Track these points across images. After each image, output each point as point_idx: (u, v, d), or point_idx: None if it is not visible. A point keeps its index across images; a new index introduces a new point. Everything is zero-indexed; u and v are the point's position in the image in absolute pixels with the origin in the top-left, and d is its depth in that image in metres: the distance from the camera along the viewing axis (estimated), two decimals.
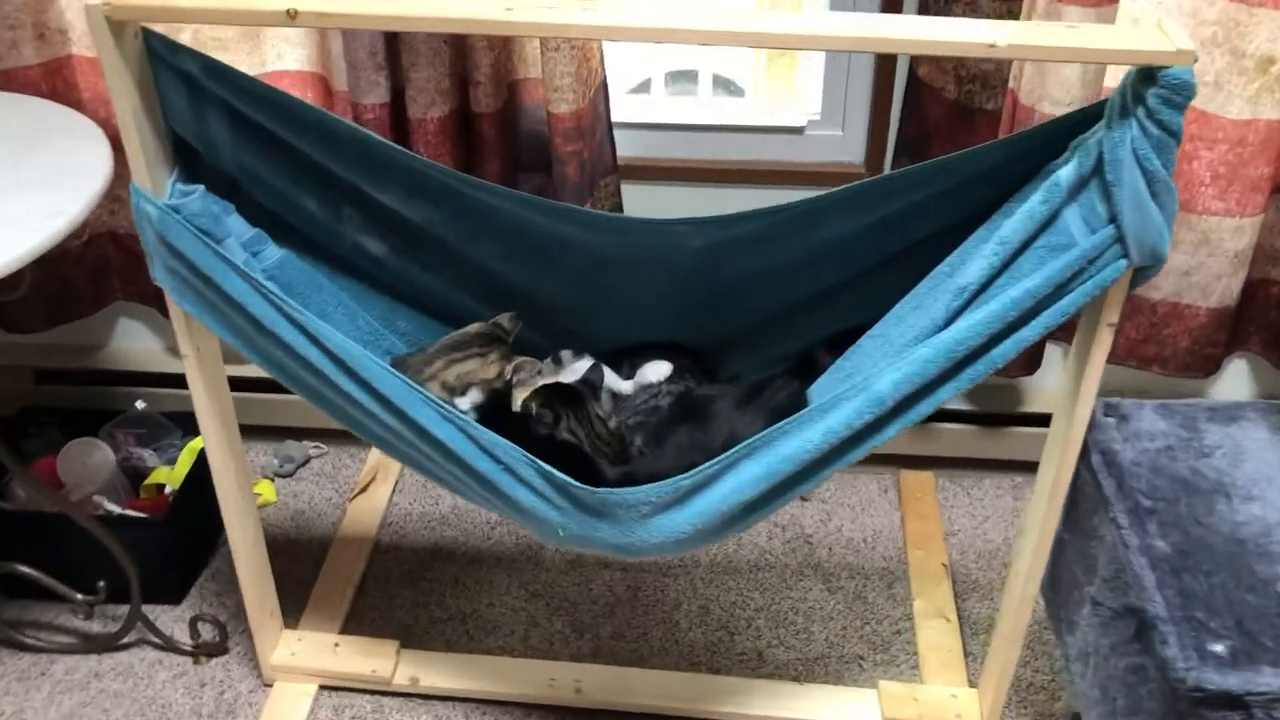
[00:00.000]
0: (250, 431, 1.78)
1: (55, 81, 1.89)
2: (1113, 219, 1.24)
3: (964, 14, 1.71)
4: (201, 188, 1.40)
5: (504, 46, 1.82)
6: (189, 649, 1.91)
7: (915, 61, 1.84)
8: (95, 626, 1.96)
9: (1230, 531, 1.37)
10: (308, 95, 1.84)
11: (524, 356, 1.58)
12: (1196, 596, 1.29)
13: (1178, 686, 1.22)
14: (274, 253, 1.48)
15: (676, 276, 1.55)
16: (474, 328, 1.58)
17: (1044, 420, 2.11)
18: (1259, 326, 2.01)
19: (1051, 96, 1.74)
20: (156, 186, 1.38)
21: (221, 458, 1.64)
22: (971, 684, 1.85)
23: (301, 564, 2.07)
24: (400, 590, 2.03)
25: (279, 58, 1.85)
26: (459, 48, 1.80)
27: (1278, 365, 2.03)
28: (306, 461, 2.31)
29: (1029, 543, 1.55)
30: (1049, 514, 1.51)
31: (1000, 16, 1.70)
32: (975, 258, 1.33)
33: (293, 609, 1.95)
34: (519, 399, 1.53)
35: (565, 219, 1.49)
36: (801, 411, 1.36)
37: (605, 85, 1.87)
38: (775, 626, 1.97)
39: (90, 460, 2.00)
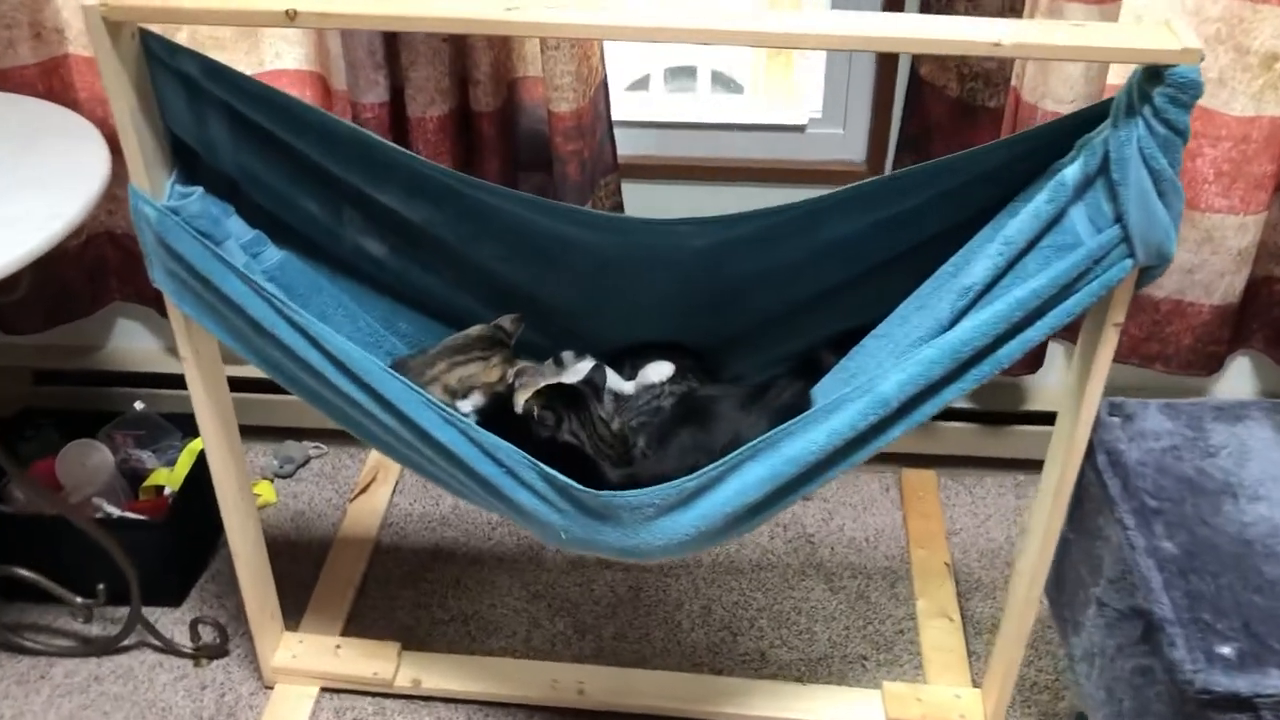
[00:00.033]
0: (249, 432, 1.77)
1: (52, 81, 1.88)
2: (1119, 218, 1.23)
3: (966, 12, 1.71)
4: (200, 189, 1.39)
5: (504, 45, 1.81)
6: (189, 651, 1.91)
7: (917, 59, 1.83)
8: (95, 629, 1.95)
9: (1237, 532, 1.36)
10: (306, 94, 1.83)
11: (526, 361, 1.57)
12: (1203, 598, 1.29)
13: (1185, 689, 1.21)
14: (274, 254, 1.47)
15: (679, 277, 1.55)
16: (476, 330, 1.57)
17: (1046, 418, 2.11)
18: (1262, 324, 2.00)
19: (1054, 94, 1.73)
20: (155, 188, 1.37)
21: (221, 460, 1.63)
22: (975, 684, 1.84)
23: (302, 565, 2.06)
24: (401, 591, 2.03)
25: (277, 57, 1.84)
26: (458, 46, 1.79)
27: None
28: (306, 462, 2.30)
29: (1033, 543, 1.54)
30: (1054, 514, 1.50)
31: (1002, 14, 1.69)
32: (980, 257, 1.32)
33: (293, 610, 1.94)
34: (521, 400, 1.52)
35: (567, 219, 1.48)
36: (805, 413, 1.35)
37: (605, 84, 1.86)
38: (778, 626, 1.96)
39: (89, 462, 1.99)
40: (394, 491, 2.23)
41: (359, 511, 2.18)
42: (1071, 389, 1.44)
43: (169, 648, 1.91)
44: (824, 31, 1.21)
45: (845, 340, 1.51)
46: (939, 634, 1.93)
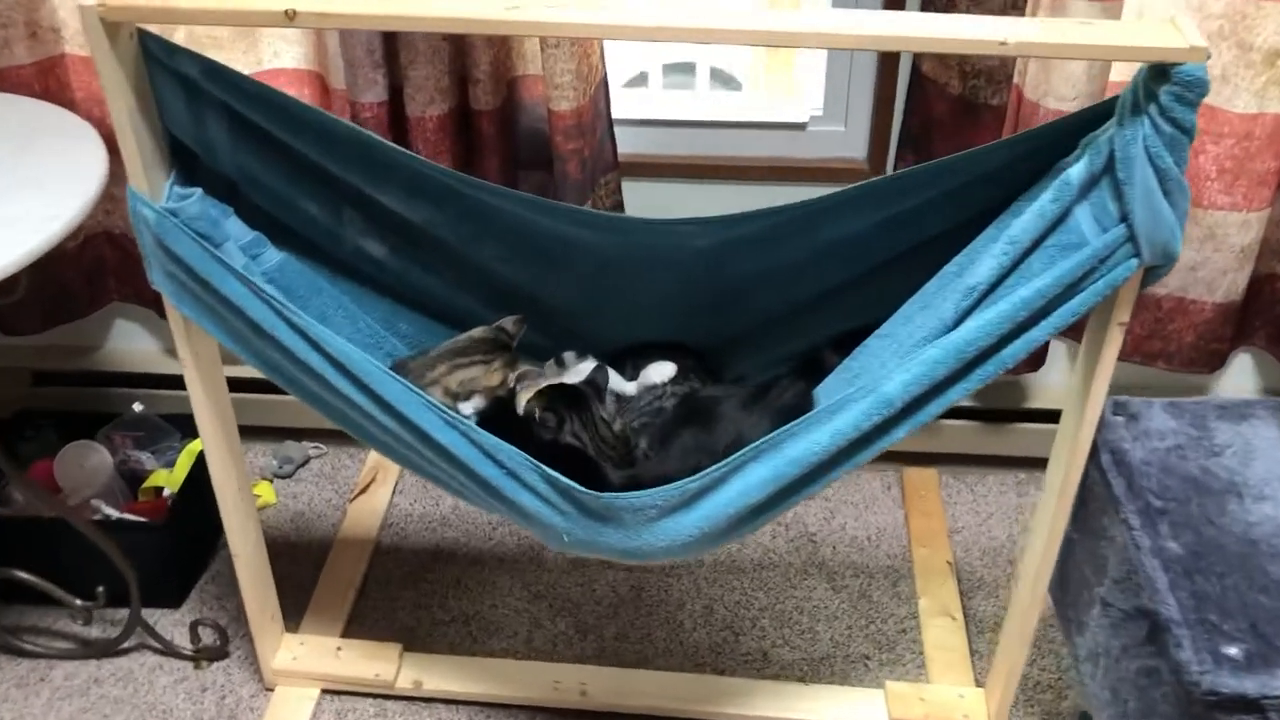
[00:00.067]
0: (248, 432, 1.76)
1: (48, 81, 1.87)
2: (1124, 218, 1.23)
3: (969, 10, 1.70)
4: (199, 191, 1.38)
5: (503, 44, 1.80)
6: (189, 653, 1.90)
7: (919, 57, 1.82)
8: (94, 631, 1.94)
9: (1242, 532, 1.36)
10: (304, 94, 1.83)
11: (528, 366, 1.56)
12: (1210, 598, 1.28)
13: (1192, 690, 1.21)
14: (273, 256, 1.46)
15: (680, 277, 1.54)
16: (478, 332, 1.56)
17: (1048, 416, 2.13)
18: (1265, 321, 2.00)
19: (1056, 92, 1.72)
20: (153, 190, 1.36)
21: (221, 461, 1.62)
22: (978, 683, 1.84)
23: (302, 566, 2.05)
24: (402, 592, 2.02)
25: (275, 56, 1.83)
26: (458, 45, 1.78)
27: None
28: (306, 462, 2.29)
29: (1038, 543, 1.54)
30: (1058, 514, 1.50)
31: (1005, 11, 1.69)
32: (985, 257, 1.31)
33: (294, 612, 1.94)
34: (522, 400, 1.51)
35: (568, 219, 1.47)
36: (809, 413, 1.35)
37: (605, 82, 1.85)
38: (780, 626, 1.96)
39: (88, 463, 1.98)
40: (394, 492, 2.22)
41: (359, 512, 2.17)
42: (1076, 388, 1.43)
43: (169, 650, 1.90)
44: (828, 30, 1.20)
45: (848, 340, 1.50)
46: (941, 633, 1.93)
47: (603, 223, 1.52)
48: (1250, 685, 1.20)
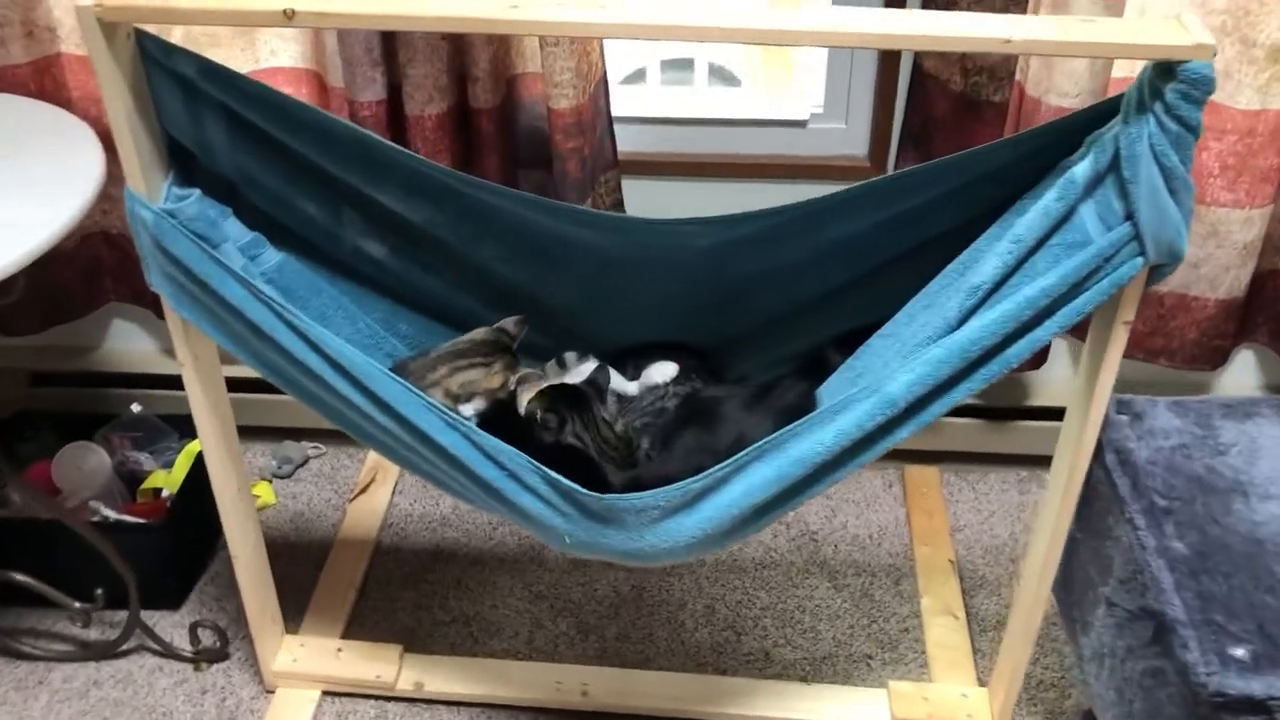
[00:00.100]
0: (247, 432, 1.75)
1: (44, 80, 1.85)
2: (1129, 216, 1.22)
3: (970, 7, 1.69)
4: (198, 191, 1.37)
5: (503, 42, 1.79)
6: (189, 655, 1.89)
7: (920, 54, 1.81)
8: (93, 633, 1.93)
9: (1248, 531, 1.35)
10: (302, 92, 1.81)
11: (529, 369, 1.55)
12: (1216, 599, 1.27)
13: (1199, 691, 1.20)
14: (272, 256, 1.45)
15: (682, 277, 1.53)
16: (479, 334, 1.55)
17: (1050, 414, 2.12)
18: (1267, 318, 1.99)
19: (1059, 88, 1.71)
20: (151, 191, 1.35)
21: (220, 463, 1.61)
22: (981, 682, 1.83)
23: (301, 567, 2.04)
24: (402, 593, 2.01)
25: (272, 54, 1.82)
26: (457, 43, 1.77)
27: None
28: (305, 462, 2.28)
29: (1041, 542, 1.53)
30: (1062, 513, 1.49)
31: (1007, 8, 1.68)
32: (989, 256, 1.30)
33: (294, 613, 1.93)
34: (523, 401, 1.50)
35: (569, 219, 1.47)
36: (812, 413, 1.34)
37: (605, 80, 1.84)
38: (782, 625, 1.95)
39: (86, 465, 1.97)
40: (394, 492, 2.22)
41: (359, 512, 2.16)
42: (1080, 387, 1.43)
43: (168, 652, 1.89)
44: (831, 29, 1.19)
45: (850, 339, 1.50)
46: (944, 632, 1.92)
47: (604, 222, 1.51)
48: (1257, 686, 1.19)
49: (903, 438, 1.36)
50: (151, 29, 1.29)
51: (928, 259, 1.41)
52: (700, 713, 1.79)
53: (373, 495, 2.20)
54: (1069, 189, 1.25)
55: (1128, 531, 1.38)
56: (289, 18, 1.19)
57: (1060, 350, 2.09)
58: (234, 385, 1.62)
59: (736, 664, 1.89)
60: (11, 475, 1.77)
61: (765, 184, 2.00)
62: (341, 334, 1.48)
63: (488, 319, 1.58)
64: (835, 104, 1.98)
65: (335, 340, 1.36)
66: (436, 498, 2.20)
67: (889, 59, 1.89)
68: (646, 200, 1.98)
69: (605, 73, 1.83)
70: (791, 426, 1.33)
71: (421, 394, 1.36)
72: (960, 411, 2.16)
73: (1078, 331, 1.91)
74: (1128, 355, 1.96)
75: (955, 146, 1.81)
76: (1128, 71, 1.72)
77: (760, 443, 1.34)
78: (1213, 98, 1.69)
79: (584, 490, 1.36)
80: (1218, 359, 1.99)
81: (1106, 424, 1.44)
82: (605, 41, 1.81)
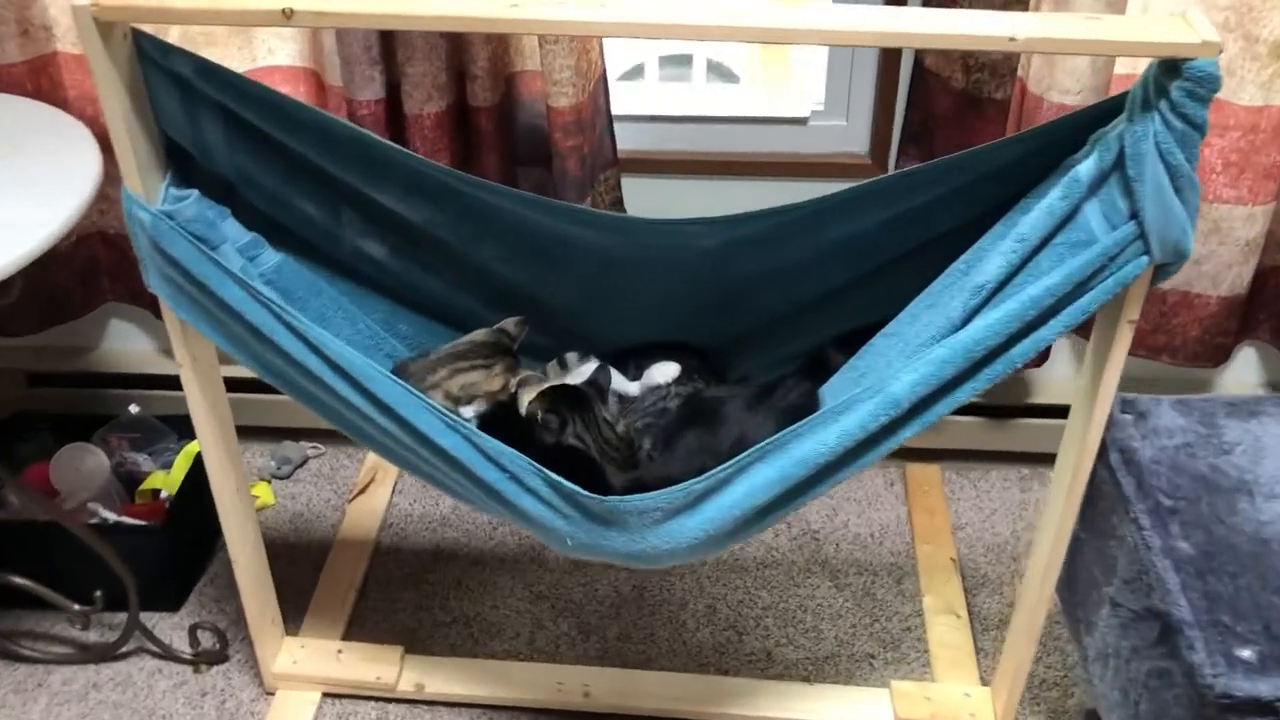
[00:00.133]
0: (245, 432, 1.74)
1: (40, 79, 1.84)
2: (1134, 215, 1.21)
3: (971, 4, 1.68)
4: (196, 192, 1.36)
5: (501, 40, 1.78)
6: (189, 657, 1.88)
7: (922, 50, 1.81)
8: (92, 636, 1.92)
9: (1254, 531, 1.35)
10: (300, 91, 1.80)
11: (529, 371, 1.54)
12: (1222, 599, 1.27)
13: (1205, 693, 1.20)
14: (271, 257, 1.44)
15: (684, 277, 1.52)
16: (479, 335, 1.54)
17: (1052, 411, 2.11)
18: (1269, 315, 1.99)
19: (1061, 85, 1.71)
20: (149, 192, 1.34)
21: (219, 464, 1.60)
22: (983, 681, 1.82)
23: (301, 568, 2.03)
24: (402, 594, 2.00)
25: (270, 53, 1.80)
26: (455, 41, 1.76)
27: None
28: (304, 463, 2.27)
29: (1045, 542, 1.53)
30: (1066, 513, 1.48)
31: (1009, 6, 1.67)
32: (993, 255, 1.30)
33: (293, 614, 1.92)
34: (524, 401, 1.50)
35: (569, 219, 1.46)
36: (815, 414, 1.33)
37: (605, 77, 1.83)
38: (784, 625, 1.94)
39: (84, 466, 1.96)
40: (393, 492, 2.21)
41: (358, 512, 2.15)
42: (1084, 387, 1.42)
43: (168, 654, 1.89)
44: (835, 27, 1.18)
45: (853, 339, 1.49)
46: (946, 631, 1.91)
47: (605, 222, 1.50)
48: (1264, 688, 1.18)
49: (906, 438, 1.35)
50: (148, 28, 1.28)
51: (931, 258, 1.40)
52: (702, 713, 1.79)
53: (372, 495, 2.19)
54: (1073, 187, 1.24)
55: (1132, 531, 1.37)
56: (287, 17, 1.18)
57: (1062, 348, 2.09)
58: (232, 385, 1.61)
59: (739, 664, 1.88)
60: (9, 477, 1.76)
61: (766, 182, 1.99)
62: (341, 335, 1.47)
63: (488, 319, 1.57)
64: (836, 101, 1.97)
65: (335, 342, 1.35)
66: (436, 498, 2.19)
67: (890, 56, 1.88)
68: (646, 198, 1.97)
69: (605, 71, 1.82)
70: (794, 427, 1.33)
71: (422, 396, 1.35)
72: (961, 409, 2.12)
73: (1081, 329, 1.90)
74: (1130, 352, 1.95)
75: (957, 144, 1.81)
76: (1130, 68, 1.71)
77: (763, 443, 1.33)
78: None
79: (586, 492, 1.35)
80: (1220, 356, 1.98)
81: (1110, 423, 1.43)
82: (604, 39, 1.80)
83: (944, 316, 1.32)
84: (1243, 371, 2.11)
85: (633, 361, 1.62)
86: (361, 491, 2.19)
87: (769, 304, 1.56)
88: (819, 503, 2.16)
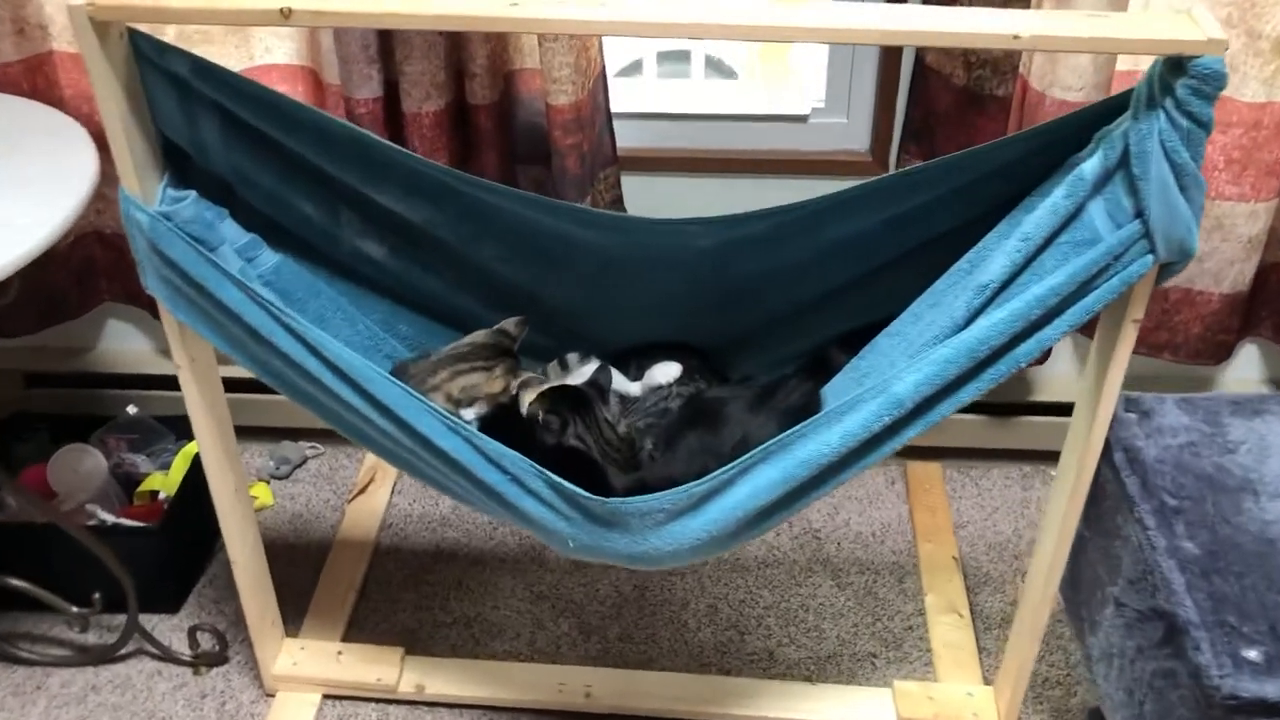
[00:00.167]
0: (244, 433, 1.72)
1: (36, 79, 1.83)
2: (1139, 213, 1.20)
3: (971, 1, 1.67)
4: (194, 193, 1.35)
5: (500, 37, 1.77)
6: (188, 659, 1.87)
7: (923, 48, 1.79)
8: (91, 638, 1.91)
9: (1260, 531, 1.34)
10: (297, 89, 1.79)
11: (529, 371, 1.53)
12: (1228, 600, 1.26)
13: (1212, 694, 1.19)
14: (270, 258, 1.43)
15: (685, 277, 1.51)
16: (479, 336, 1.53)
17: (1053, 409, 2.11)
18: (1271, 311, 1.98)
19: (1062, 82, 1.70)
20: (146, 193, 1.33)
21: (218, 465, 1.59)
22: (986, 680, 1.82)
23: (300, 569, 2.02)
24: (402, 594, 1.99)
25: (267, 51, 1.79)
26: (454, 39, 1.74)
27: None
28: (303, 463, 2.26)
29: (1049, 541, 1.52)
30: (1069, 512, 1.47)
31: (1010, 3, 1.66)
32: (997, 254, 1.29)
33: (293, 615, 1.91)
34: (525, 402, 1.49)
35: (570, 219, 1.45)
36: (818, 414, 1.32)
37: (604, 75, 1.82)
38: (785, 624, 1.94)
39: (82, 468, 1.95)
40: (393, 492, 2.20)
41: (357, 513, 2.14)
42: (1088, 386, 1.41)
43: (167, 656, 1.88)
44: (838, 25, 1.17)
45: (855, 339, 1.48)
46: (949, 630, 1.91)
47: (605, 222, 1.49)
48: (1271, 689, 1.18)
49: (909, 438, 1.34)
50: (144, 27, 1.27)
51: (933, 257, 1.39)
52: (705, 713, 1.78)
53: (371, 496, 2.18)
54: (1077, 186, 1.23)
55: (1137, 531, 1.36)
56: (285, 17, 1.17)
57: (1063, 345, 2.08)
58: (231, 385, 1.60)
59: (740, 664, 1.87)
60: (7, 479, 1.75)
61: (766, 179, 1.98)
62: (340, 335, 1.46)
63: (488, 320, 1.56)
64: (836, 99, 1.96)
65: (334, 344, 1.34)
66: (435, 497, 2.18)
67: (891, 53, 1.87)
68: (646, 197, 1.96)
69: (604, 68, 1.81)
70: (797, 428, 1.32)
71: (422, 398, 1.34)
72: (962, 407, 2.14)
73: (1084, 327, 1.89)
74: (1132, 350, 1.96)
75: (958, 141, 1.80)
76: (1131, 65, 1.71)
77: (766, 444, 1.32)
78: None
79: (588, 494, 1.34)
80: (1222, 353, 1.97)
81: (1114, 422, 1.43)
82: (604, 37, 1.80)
83: (947, 316, 1.31)
84: (1244, 369, 2.11)
85: (634, 361, 1.61)
86: (361, 491, 2.18)
87: (770, 304, 1.55)
88: (820, 501, 2.14)
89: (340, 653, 1.85)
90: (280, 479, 2.23)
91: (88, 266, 2.03)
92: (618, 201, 1.93)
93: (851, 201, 1.37)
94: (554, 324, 1.60)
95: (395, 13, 1.20)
